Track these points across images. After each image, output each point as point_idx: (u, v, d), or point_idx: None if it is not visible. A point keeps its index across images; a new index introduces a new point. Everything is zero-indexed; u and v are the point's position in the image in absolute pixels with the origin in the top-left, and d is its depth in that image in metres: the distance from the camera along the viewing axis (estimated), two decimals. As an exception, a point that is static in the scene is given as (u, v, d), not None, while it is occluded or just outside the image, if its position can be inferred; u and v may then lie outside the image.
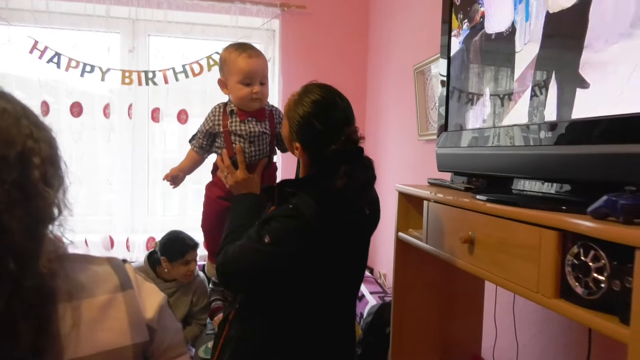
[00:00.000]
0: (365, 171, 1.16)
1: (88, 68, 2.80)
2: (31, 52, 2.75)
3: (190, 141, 1.58)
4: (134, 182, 3.03)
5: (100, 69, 2.82)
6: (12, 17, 2.78)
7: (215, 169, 1.56)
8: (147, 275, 2.17)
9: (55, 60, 2.77)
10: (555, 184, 1.09)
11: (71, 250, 0.70)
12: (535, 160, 1.04)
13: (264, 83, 1.47)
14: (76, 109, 2.88)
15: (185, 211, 3.07)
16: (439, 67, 1.60)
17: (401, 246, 1.53)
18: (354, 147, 1.17)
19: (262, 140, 1.49)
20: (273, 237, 1.10)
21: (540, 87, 1.03)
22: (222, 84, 1.50)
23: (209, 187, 1.58)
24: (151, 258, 2.36)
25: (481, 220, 1.05)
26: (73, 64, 2.78)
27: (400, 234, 1.52)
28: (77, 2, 2.78)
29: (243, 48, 1.46)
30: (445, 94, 1.48)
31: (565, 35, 0.95)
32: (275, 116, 1.55)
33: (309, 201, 1.11)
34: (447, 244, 1.21)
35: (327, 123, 1.15)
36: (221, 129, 1.48)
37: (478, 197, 1.11)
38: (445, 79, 1.52)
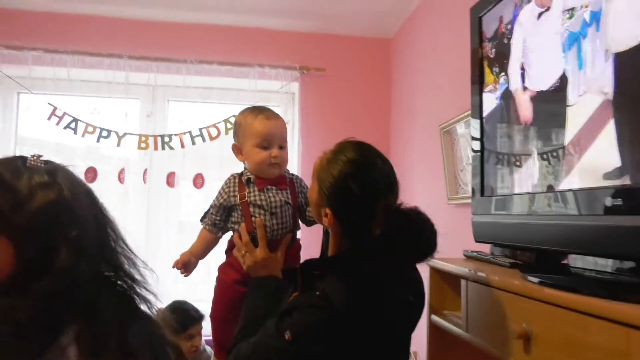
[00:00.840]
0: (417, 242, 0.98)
1: (105, 133, 2.76)
2: (49, 118, 2.73)
3: (202, 220, 1.41)
4: (148, 248, 2.89)
5: (117, 133, 2.77)
6: (33, 86, 2.80)
7: (230, 247, 1.38)
8: None
9: (72, 125, 2.74)
10: (614, 261, 0.88)
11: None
12: (599, 232, 0.84)
13: (283, 147, 1.34)
14: (90, 174, 2.81)
15: (198, 280, 2.89)
16: (471, 127, 1.44)
17: (436, 332, 1.31)
18: (401, 216, 0.99)
19: (285, 211, 1.32)
20: (295, 333, 0.90)
21: (607, 144, 0.85)
22: (237, 149, 1.37)
23: (222, 268, 1.39)
24: None
25: (539, 310, 0.84)
26: (90, 129, 2.75)
27: (434, 317, 1.29)
28: (97, 70, 2.79)
29: (260, 110, 1.35)
30: (479, 155, 1.31)
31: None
32: (296, 185, 1.39)
33: (339, 286, 0.92)
34: (495, 337, 0.99)
35: (365, 185, 0.98)
36: (238, 201, 1.32)
37: (530, 278, 0.90)
38: (478, 139, 1.35)
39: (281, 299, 1.11)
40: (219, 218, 1.37)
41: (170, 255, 2.85)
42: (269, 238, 1.29)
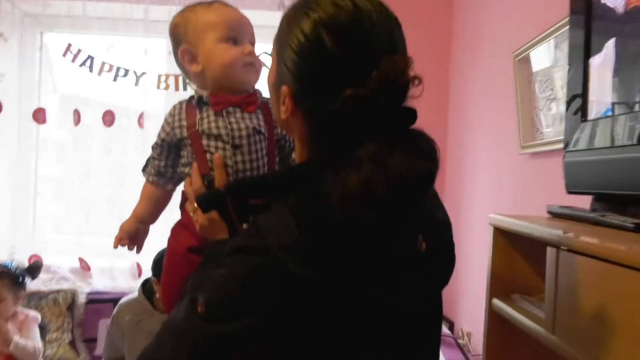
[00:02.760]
0: (416, 160, 0.55)
1: (122, 72, 2.48)
2: (64, 55, 2.48)
3: (143, 170, 1.03)
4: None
5: (135, 73, 2.49)
6: (51, 24, 2.57)
7: (184, 201, 0.99)
8: (142, 307, 1.74)
9: (87, 64, 2.48)
10: None
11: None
12: None
13: (253, 44, 0.95)
14: (108, 118, 2.56)
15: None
16: (571, 33, 0.96)
17: (497, 322, 0.88)
18: (396, 98, 0.57)
19: (254, 143, 0.92)
20: (209, 301, 0.56)
21: None
22: (189, 56, 0.95)
23: (174, 232, 1.01)
24: (146, 287, 1.87)
25: None
26: (106, 67, 2.48)
27: (497, 302, 0.87)
28: (114, 3, 2.49)
29: (210, 2, 0.96)
30: (581, 50, 0.84)
31: None
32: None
33: (284, 220, 0.56)
34: (606, 347, 0.56)
35: (348, 45, 0.58)
36: (185, 132, 0.94)
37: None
38: (582, 38, 0.87)
39: None
40: (163, 163, 0.98)
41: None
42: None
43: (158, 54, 2.62)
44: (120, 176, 2.63)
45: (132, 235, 1.05)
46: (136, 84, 2.49)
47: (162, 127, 0.98)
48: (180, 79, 2.50)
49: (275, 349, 0.57)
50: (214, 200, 0.77)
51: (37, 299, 2.31)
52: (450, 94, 2.52)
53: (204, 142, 0.91)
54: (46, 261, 2.56)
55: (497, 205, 1.87)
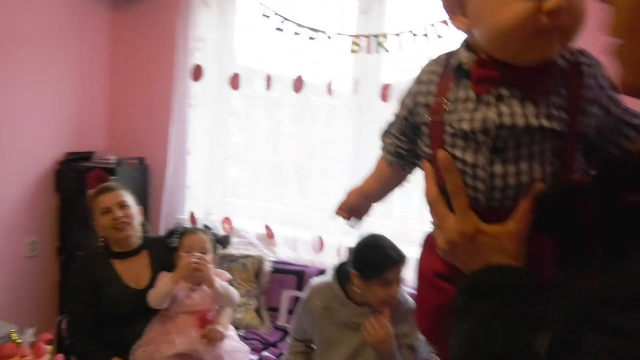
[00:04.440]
0: None
1: (312, 34, 2.33)
2: (256, 19, 2.43)
3: (382, 137, 0.77)
4: (354, 173, 2.46)
5: (326, 34, 2.32)
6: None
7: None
8: (334, 295, 1.57)
9: (280, 26, 2.39)
10: None
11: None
12: None
13: None
14: (298, 84, 2.45)
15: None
16: None
17: None
18: None
19: (531, 145, 0.57)
20: None
21: None
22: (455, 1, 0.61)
23: (424, 248, 0.73)
24: (341, 271, 1.65)
25: None
26: (298, 30, 2.35)
27: None
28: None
29: None
30: None
31: None
32: (585, 80, 0.58)
33: None
34: None
35: None
36: (427, 116, 0.63)
37: None
38: None
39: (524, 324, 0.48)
40: (403, 145, 0.71)
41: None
42: (482, 202, 0.59)
43: (349, 15, 2.41)
44: (308, 147, 2.54)
45: (353, 208, 0.86)
46: (327, 46, 2.32)
47: (404, 98, 0.69)
48: (372, 39, 2.26)
49: None
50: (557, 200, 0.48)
51: (227, 262, 2.35)
52: None
53: (447, 138, 0.61)
54: (235, 224, 2.63)
55: None
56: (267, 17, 2.40)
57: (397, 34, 2.23)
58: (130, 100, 2.95)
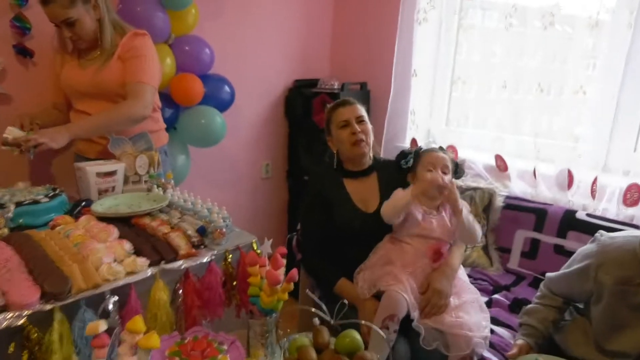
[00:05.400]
0: None
1: None
2: None
3: None
4: (622, 96, 1.92)
5: None
6: None
7: None
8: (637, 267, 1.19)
9: None
10: None
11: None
12: None
13: None
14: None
15: None
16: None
17: None
18: None
19: None
20: None
21: None
22: None
23: None
24: None
25: None
26: None
27: None
28: None
29: None
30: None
31: None
32: None
33: None
34: None
35: None
36: None
37: None
38: None
39: None
40: None
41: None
42: None
43: None
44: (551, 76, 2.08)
45: None
46: None
47: None
48: None
49: None
50: None
51: (453, 194, 2.14)
52: None
53: None
54: (461, 154, 2.39)
55: None
56: None
57: None
58: (353, 28, 2.91)
